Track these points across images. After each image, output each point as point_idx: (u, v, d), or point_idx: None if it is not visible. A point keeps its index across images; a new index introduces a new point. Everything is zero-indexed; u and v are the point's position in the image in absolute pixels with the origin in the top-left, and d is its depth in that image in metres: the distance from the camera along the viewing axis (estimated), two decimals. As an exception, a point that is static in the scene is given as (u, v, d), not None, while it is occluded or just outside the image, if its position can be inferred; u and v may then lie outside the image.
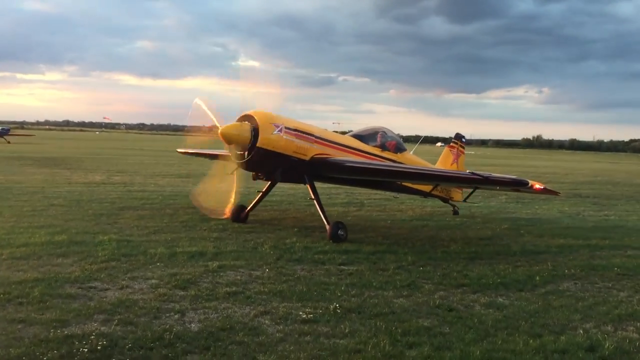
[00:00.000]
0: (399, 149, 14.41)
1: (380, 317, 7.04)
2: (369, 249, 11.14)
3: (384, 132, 14.33)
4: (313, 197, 12.29)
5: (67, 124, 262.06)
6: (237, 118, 11.85)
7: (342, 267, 9.68)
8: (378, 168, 12.68)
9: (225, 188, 13.55)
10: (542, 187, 11.50)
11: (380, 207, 18.25)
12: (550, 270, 10.03)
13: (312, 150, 12.23)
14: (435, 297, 8.07)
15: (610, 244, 13.09)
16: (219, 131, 11.51)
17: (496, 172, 17.78)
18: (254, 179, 12.73)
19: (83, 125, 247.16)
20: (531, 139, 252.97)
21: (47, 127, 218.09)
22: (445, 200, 16.25)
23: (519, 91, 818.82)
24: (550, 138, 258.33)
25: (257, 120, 11.50)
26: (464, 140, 18.46)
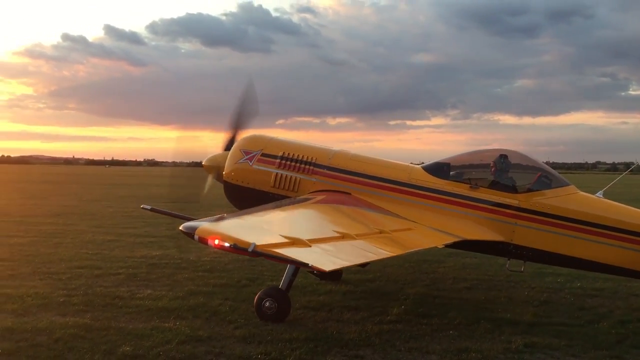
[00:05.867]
0: (540, 184, 8.41)
1: None
2: None
3: (504, 158, 8.54)
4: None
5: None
6: None
7: None
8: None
9: None
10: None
11: None
12: None
13: (308, 185, 9.02)
14: None
15: None
16: None
17: None
18: None
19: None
20: None
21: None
22: None
23: None
24: None
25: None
26: None
